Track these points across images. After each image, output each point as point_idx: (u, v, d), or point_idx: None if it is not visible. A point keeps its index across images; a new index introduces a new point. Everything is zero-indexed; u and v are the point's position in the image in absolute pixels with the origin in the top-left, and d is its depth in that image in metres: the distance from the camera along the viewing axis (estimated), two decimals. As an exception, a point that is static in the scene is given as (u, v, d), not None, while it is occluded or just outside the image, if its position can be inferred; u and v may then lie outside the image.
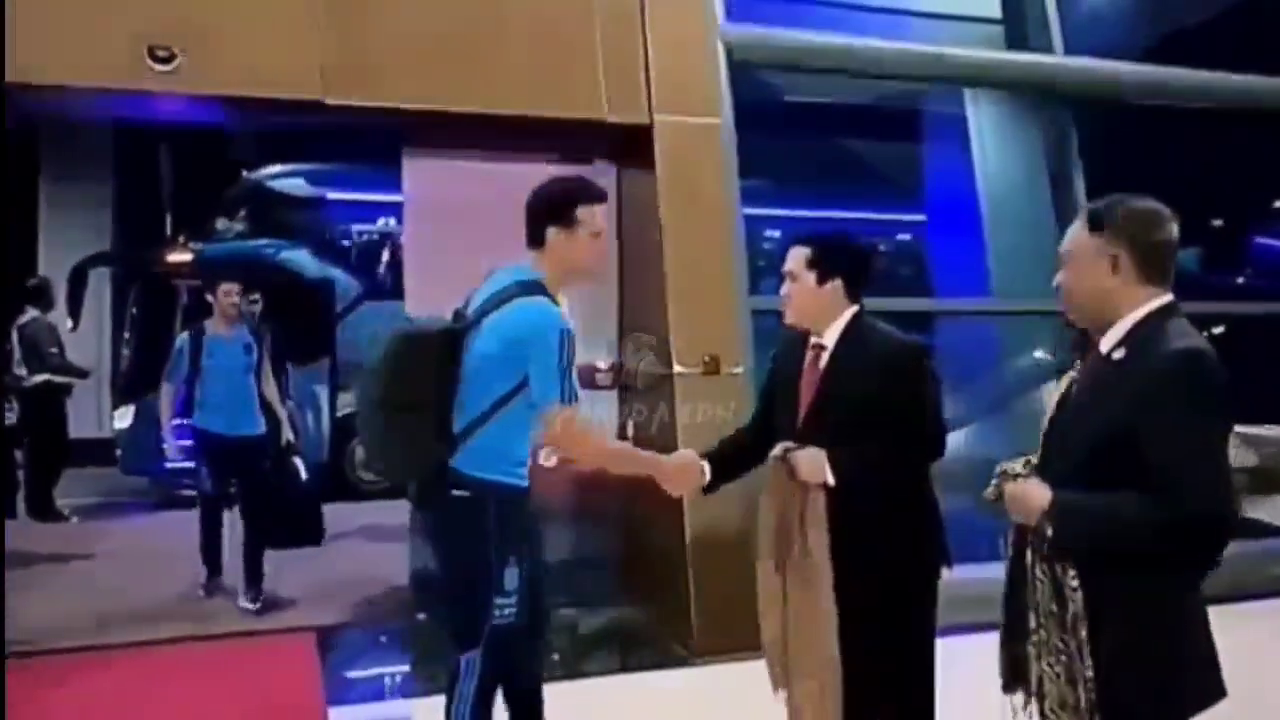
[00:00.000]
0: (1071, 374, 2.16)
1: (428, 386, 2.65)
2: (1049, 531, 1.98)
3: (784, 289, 2.86)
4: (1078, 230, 2.11)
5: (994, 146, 7.04)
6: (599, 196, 2.83)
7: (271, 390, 5.71)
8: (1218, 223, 9.52)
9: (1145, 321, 2.02)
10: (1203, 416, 1.91)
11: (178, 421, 5.65)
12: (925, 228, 9.18)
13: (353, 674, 4.74)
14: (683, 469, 2.97)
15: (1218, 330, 8.88)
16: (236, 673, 4.51)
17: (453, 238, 4.91)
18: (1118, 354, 2.02)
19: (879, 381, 2.68)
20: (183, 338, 5.64)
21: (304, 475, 5.72)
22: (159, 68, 4.22)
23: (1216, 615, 2.01)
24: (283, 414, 5.75)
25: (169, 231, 11.21)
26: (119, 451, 9.35)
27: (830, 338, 2.78)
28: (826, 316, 2.80)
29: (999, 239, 6.89)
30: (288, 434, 5.73)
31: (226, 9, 4.37)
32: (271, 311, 7.30)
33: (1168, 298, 2.05)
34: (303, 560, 5.70)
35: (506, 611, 2.67)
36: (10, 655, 3.97)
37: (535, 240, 2.76)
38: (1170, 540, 1.87)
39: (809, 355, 2.82)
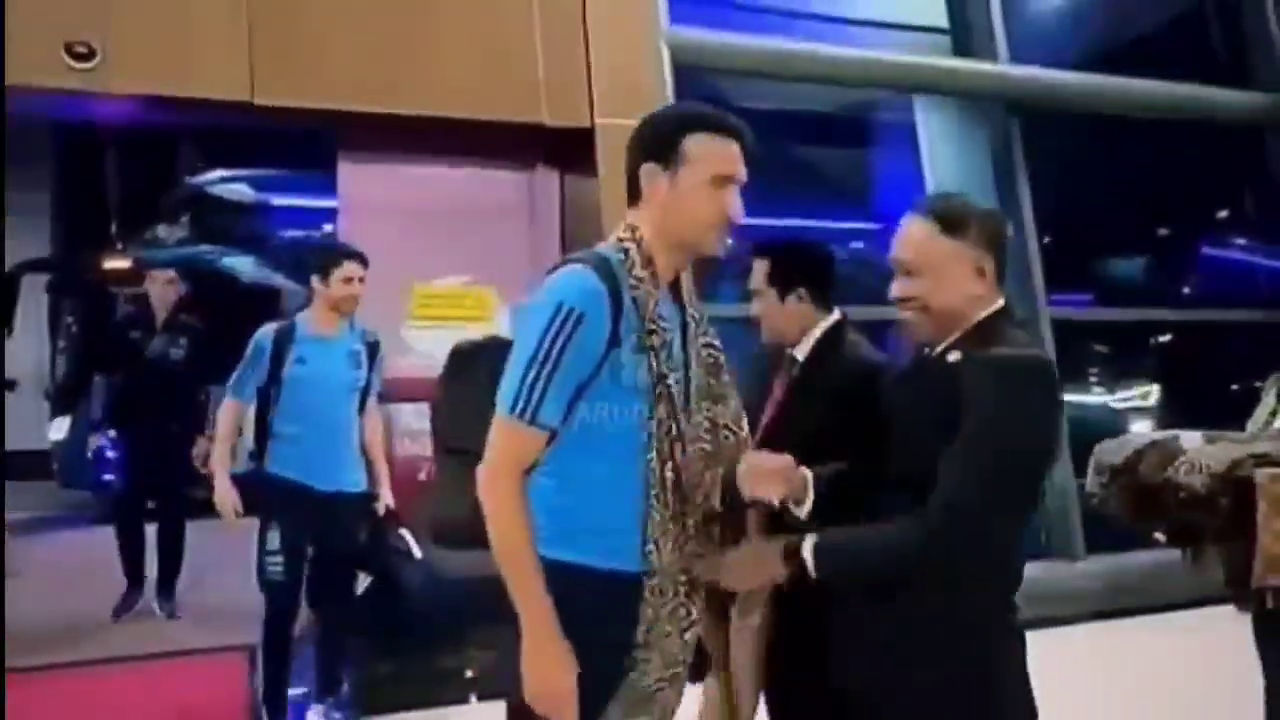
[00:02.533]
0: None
1: (478, 418, 1.85)
2: (812, 570, 1.87)
3: (752, 307, 2.67)
4: (928, 234, 1.92)
5: (943, 155, 7.02)
6: (725, 127, 1.88)
7: (375, 426, 4.11)
8: (1164, 232, 9.60)
9: (983, 323, 1.91)
10: (1013, 440, 1.79)
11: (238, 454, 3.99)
12: (877, 236, 9.18)
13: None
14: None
15: (1164, 338, 8.98)
16: (164, 693, 4.38)
17: (390, 242, 4.80)
18: (953, 356, 1.90)
19: (837, 403, 2.41)
20: (265, 333, 3.91)
21: (418, 553, 3.95)
22: (78, 65, 4.07)
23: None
24: (382, 464, 4.09)
25: (108, 238, 10.98)
26: (55, 464, 9.12)
27: (803, 350, 2.62)
28: (797, 329, 2.62)
29: (947, 247, 6.89)
30: (387, 496, 4.04)
31: (149, 4, 4.23)
32: (213, 319, 7.12)
33: (1003, 301, 1.96)
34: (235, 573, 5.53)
35: None
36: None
37: (631, 190, 1.91)
38: (913, 563, 1.81)
39: (783, 366, 2.66)
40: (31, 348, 10.75)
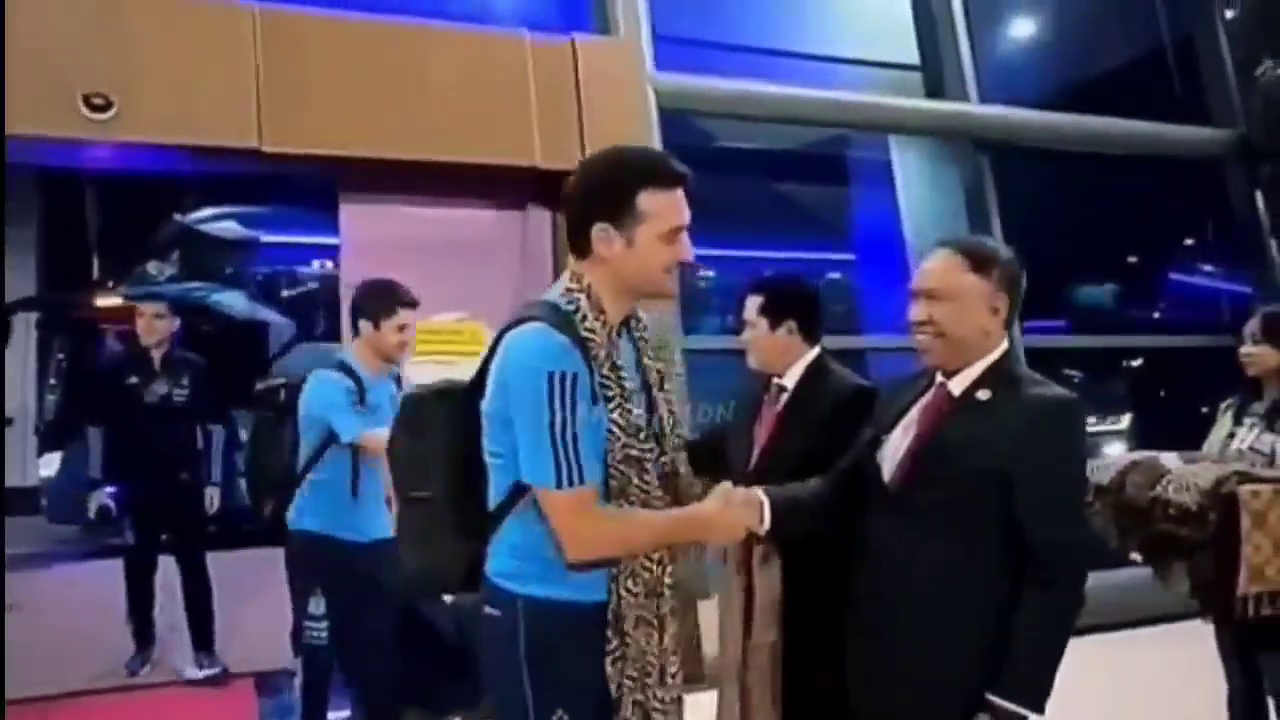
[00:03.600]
0: (909, 415, 2.12)
1: (440, 465, 1.93)
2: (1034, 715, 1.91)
3: (743, 335, 2.85)
4: (956, 268, 2.06)
5: (917, 189, 7.25)
6: (673, 177, 1.89)
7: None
8: (1133, 260, 9.88)
9: (1000, 364, 2.07)
10: (1080, 469, 2.06)
11: None
12: (854, 267, 9.38)
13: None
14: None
15: (1136, 363, 9.23)
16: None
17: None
18: (981, 394, 2.03)
19: (830, 427, 2.54)
20: (334, 376, 3.52)
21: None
22: (95, 116, 4.23)
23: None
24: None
25: (97, 275, 11.04)
26: (44, 500, 9.15)
27: (791, 380, 2.77)
28: (784, 360, 2.78)
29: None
30: None
31: (163, 57, 4.40)
32: (203, 355, 7.21)
33: (1008, 343, 2.11)
34: (243, 602, 5.63)
35: None
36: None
37: (577, 245, 1.90)
38: (1078, 612, 1.97)
39: (770, 395, 2.82)
40: (18, 386, 10.75)
